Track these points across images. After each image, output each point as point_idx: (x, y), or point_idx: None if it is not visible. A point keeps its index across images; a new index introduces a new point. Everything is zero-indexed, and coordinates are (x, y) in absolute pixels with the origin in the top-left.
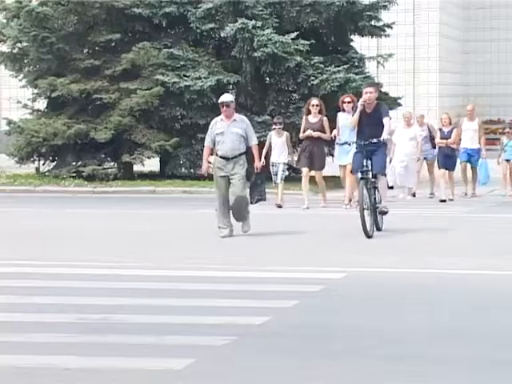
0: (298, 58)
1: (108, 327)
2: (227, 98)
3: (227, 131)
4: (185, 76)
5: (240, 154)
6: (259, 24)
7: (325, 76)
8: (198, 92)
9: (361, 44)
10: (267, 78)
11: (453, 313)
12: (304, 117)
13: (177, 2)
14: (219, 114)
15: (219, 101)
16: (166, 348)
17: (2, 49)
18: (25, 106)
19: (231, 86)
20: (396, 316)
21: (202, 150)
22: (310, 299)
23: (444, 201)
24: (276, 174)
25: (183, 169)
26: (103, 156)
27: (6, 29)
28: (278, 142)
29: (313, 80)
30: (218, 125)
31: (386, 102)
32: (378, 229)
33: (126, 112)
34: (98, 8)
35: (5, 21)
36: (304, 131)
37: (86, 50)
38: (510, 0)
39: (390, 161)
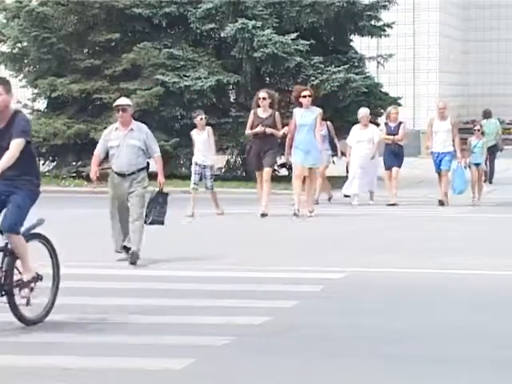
0: (298, 59)
1: (108, 327)
2: (124, 100)
3: (123, 143)
4: (185, 76)
5: (139, 170)
6: (259, 24)
7: (325, 76)
8: (198, 92)
9: (361, 44)
10: (267, 78)
11: (453, 313)
12: (252, 111)
13: (177, 2)
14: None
15: (114, 104)
16: (166, 348)
17: (2, 49)
18: (25, 106)
19: (231, 86)
20: (396, 316)
21: None
22: (310, 299)
23: (394, 204)
24: (198, 174)
25: (183, 169)
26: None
27: (6, 29)
28: (200, 139)
29: (313, 80)
30: (112, 135)
31: (386, 103)
32: (24, 321)
33: None
34: (98, 8)
35: (5, 21)
36: (252, 127)
37: (85, 50)
38: (509, 0)
39: (347, 166)
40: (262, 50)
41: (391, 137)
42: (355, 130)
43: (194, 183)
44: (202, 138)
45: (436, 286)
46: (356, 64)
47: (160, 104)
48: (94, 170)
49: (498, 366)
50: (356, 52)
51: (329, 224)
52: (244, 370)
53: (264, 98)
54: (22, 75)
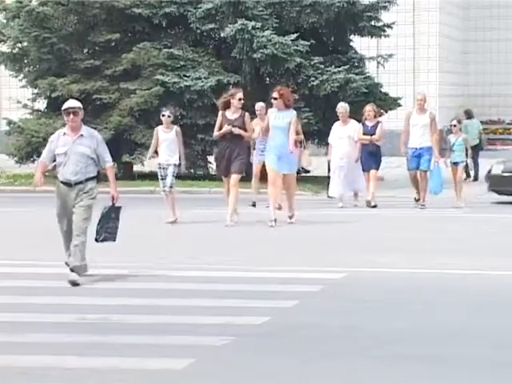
0: (298, 59)
1: (108, 327)
2: (74, 103)
3: (71, 151)
4: (185, 76)
5: (87, 180)
6: (259, 25)
7: (325, 76)
8: (198, 92)
9: (361, 44)
10: (267, 79)
11: (453, 313)
12: (220, 112)
13: (177, 2)
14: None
15: (63, 107)
16: (166, 348)
17: (2, 49)
18: (25, 106)
19: (231, 87)
20: (396, 316)
21: (202, 151)
22: (310, 299)
23: (375, 206)
24: (164, 179)
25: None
26: None
27: (6, 29)
28: (167, 138)
29: (313, 81)
30: (60, 141)
31: (386, 103)
32: None
33: (125, 112)
34: (98, 8)
35: (5, 21)
36: (220, 129)
37: (86, 50)
38: (509, 0)
39: (328, 164)
40: (261, 50)
41: (368, 137)
42: (336, 126)
43: (164, 189)
44: (169, 138)
45: (436, 286)
46: (356, 64)
47: (160, 104)
48: (38, 175)
49: (497, 366)
50: (356, 52)
51: (328, 224)
52: (244, 370)
53: (240, 100)
54: (22, 75)
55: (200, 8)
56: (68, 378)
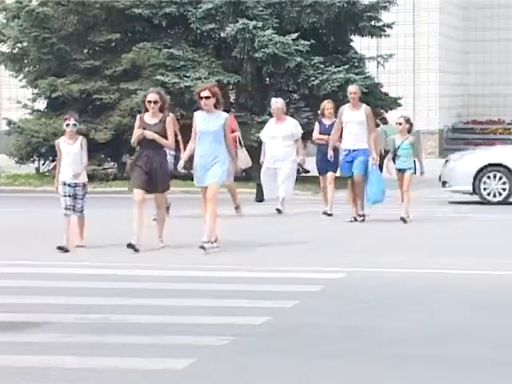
0: (298, 59)
1: (108, 327)
2: None
3: None
4: (185, 76)
5: None
6: (260, 24)
7: (325, 76)
8: None
9: (361, 44)
10: (267, 79)
11: (453, 313)
12: (138, 116)
13: (177, 2)
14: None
15: None
16: (166, 348)
17: (2, 49)
18: (25, 106)
19: (231, 87)
20: (396, 316)
21: None
22: (310, 299)
23: (330, 214)
24: (70, 196)
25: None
26: (103, 156)
27: (6, 29)
28: (71, 151)
29: (313, 80)
30: None
31: (386, 103)
32: None
33: (126, 112)
34: (98, 8)
35: (5, 21)
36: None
37: (86, 50)
38: (510, 0)
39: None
40: (262, 50)
41: (325, 136)
42: (270, 124)
43: (66, 208)
44: (73, 151)
45: (436, 285)
46: (356, 64)
47: None
48: None
49: (498, 366)
50: (356, 52)
51: (327, 224)
52: (244, 370)
53: (155, 102)
54: (22, 75)
55: (200, 8)
56: (68, 378)
